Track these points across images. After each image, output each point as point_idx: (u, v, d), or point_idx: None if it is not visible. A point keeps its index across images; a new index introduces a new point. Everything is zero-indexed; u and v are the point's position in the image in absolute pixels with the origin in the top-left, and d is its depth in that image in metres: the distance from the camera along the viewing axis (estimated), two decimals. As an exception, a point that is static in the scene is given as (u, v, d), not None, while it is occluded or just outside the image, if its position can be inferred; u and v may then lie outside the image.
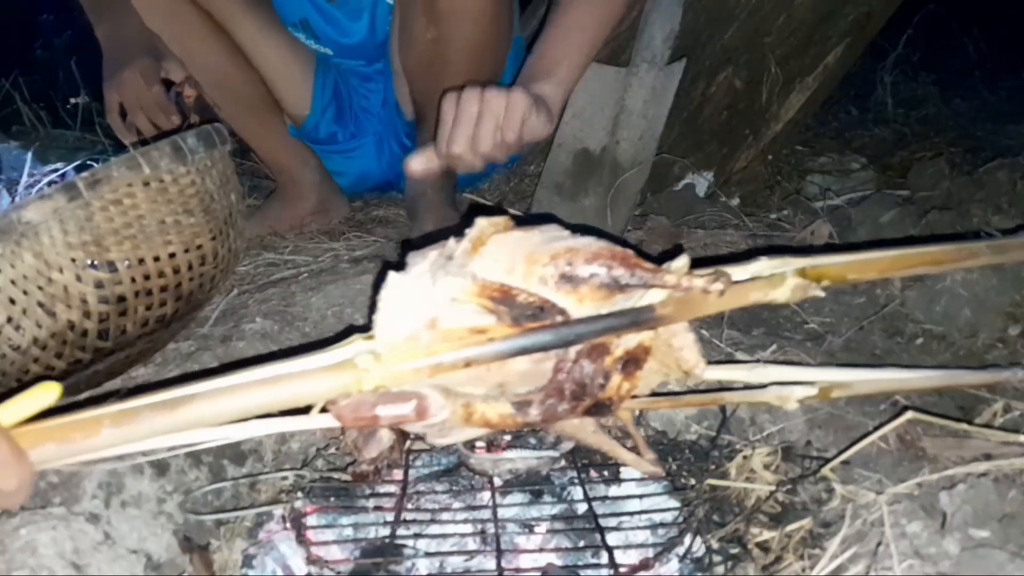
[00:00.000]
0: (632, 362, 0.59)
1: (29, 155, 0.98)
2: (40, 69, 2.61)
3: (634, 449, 0.72)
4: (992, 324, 0.91)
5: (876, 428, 0.68)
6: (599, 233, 0.60)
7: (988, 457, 0.64)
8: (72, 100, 2.01)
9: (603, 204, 1.26)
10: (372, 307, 0.57)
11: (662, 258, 0.60)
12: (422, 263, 0.58)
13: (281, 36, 1.38)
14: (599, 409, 0.60)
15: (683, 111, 1.47)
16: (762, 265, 0.60)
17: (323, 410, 0.57)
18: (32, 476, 0.52)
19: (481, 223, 0.58)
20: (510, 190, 1.50)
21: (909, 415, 0.67)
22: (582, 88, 1.25)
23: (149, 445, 0.55)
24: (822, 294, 0.61)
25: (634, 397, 0.63)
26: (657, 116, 1.25)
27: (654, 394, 0.69)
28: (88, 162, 0.88)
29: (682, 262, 0.58)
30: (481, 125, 0.89)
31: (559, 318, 0.55)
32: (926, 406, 0.75)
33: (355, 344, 0.56)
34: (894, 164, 1.88)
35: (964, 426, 0.68)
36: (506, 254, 0.57)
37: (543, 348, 0.55)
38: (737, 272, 0.59)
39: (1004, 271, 1.01)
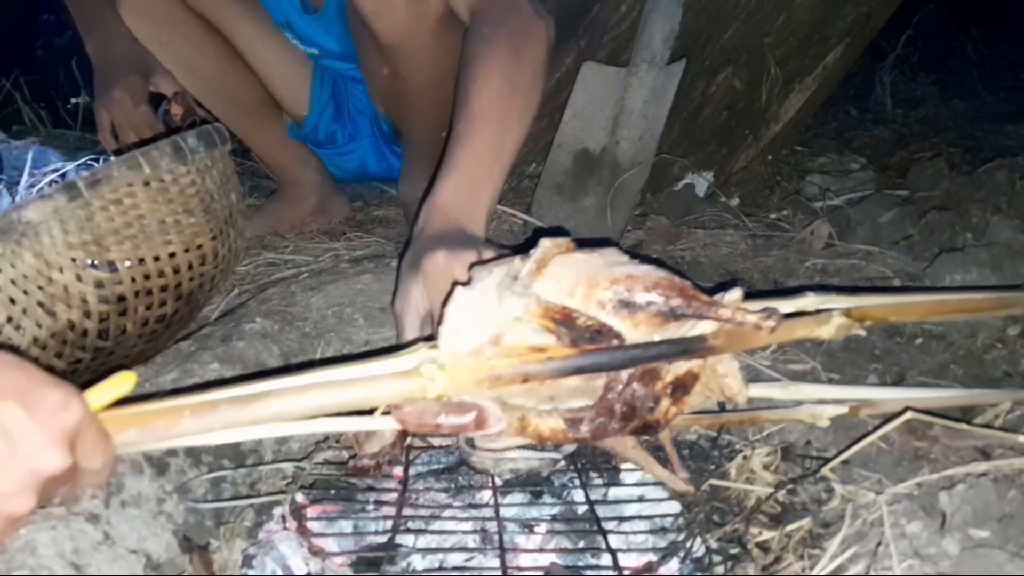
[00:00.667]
0: (681, 388, 0.61)
1: (30, 155, 0.98)
2: (40, 69, 2.62)
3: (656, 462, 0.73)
4: (991, 324, 0.91)
5: (876, 428, 0.68)
6: (659, 263, 0.62)
7: (988, 457, 0.64)
8: (73, 100, 2.01)
9: (603, 204, 1.26)
10: (439, 320, 0.59)
11: (713, 289, 0.61)
12: (488, 279, 0.60)
13: (278, 38, 1.38)
14: (646, 430, 0.62)
15: (683, 111, 1.47)
16: (808, 300, 0.63)
17: (384, 413, 0.60)
18: (114, 458, 0.54)
19: (545, 244, 0.61)
20: (510, 190, 1.50)
21: (909, 415, 0.67)
22: (582, 88, 1.25)
23: (224, 435, 0.58)
24: (863, 333, 0.64)
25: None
26: (657, 116, 1.25)
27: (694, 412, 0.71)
28: (89, 162, 0.88)
29: (736, 295, 0.60)
30: None
31: (615, 342, 0.57)
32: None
33: (420, 352, 0.58)
34: (893, 164, 1.88)
35: (964, 426, 0.68)
36: (568, 276, 0.59)
37: (598, 370, 0.58)
38: (784, 305, 0.62)
39: (1002, 272, 1.01)
